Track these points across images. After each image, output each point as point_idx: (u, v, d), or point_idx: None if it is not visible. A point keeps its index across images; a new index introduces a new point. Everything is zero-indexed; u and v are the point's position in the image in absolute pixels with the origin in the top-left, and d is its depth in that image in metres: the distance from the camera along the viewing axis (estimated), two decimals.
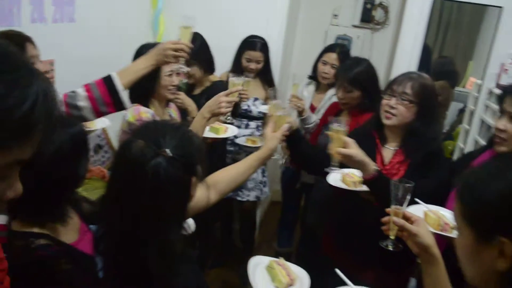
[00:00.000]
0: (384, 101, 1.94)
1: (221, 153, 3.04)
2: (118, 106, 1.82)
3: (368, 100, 2.39)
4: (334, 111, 2.65)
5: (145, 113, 2.08)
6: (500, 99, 1.73)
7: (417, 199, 1.67)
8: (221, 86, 2.82)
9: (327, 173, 1.92)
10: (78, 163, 1.29)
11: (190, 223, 1.56)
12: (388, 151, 1.99)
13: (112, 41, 2.98)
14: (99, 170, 2.42)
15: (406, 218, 1.35)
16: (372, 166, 1.73)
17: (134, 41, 3.33)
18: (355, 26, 4.37)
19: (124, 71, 1.86)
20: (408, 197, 1.41)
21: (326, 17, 4.41)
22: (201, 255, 3.27)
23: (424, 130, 1.88)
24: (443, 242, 1.61)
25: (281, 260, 1.58)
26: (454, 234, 1.43)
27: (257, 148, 2.95)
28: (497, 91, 3.08)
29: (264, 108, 2.97)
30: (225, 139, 2.83)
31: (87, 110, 1.78)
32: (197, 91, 2.87)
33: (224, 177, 1.62)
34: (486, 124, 3.23)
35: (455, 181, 1.15)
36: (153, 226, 1.14)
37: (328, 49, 3.04)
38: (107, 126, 2.43)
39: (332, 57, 2.93)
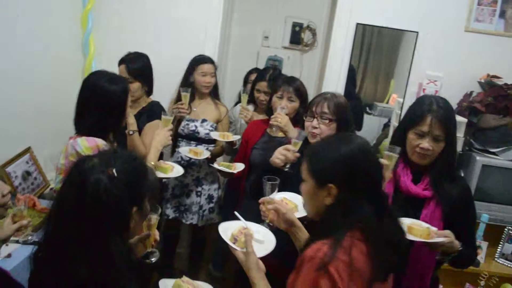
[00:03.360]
0: (306, 123, 2.11)
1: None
2: None
3: (302, 112, 2.52)
4: (263, 129, 2.72)
5: (102, 144, 2.04)
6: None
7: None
8: (159, 106, 2.88)
9: None
10: None
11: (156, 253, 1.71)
12: None
13: (42, 62, 2.88)
14: (28, 198, 2.31)
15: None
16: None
17: (66, 62, 3.26)
18: (285, 48, 4.54)
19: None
20: (277, 189, 1.83)
21: (257, 38, 4.55)
22: (141, 278, 3.20)
23: None
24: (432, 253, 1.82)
25: (185, 278, 1.66)
26: (439, 239, 1.69)
27: (199, 160, 2.98)
28: None
29: (215, 135, 3.00)
30: None
31: None
32: (133, 111, 2.82)
33: None
34: None
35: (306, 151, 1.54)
36: (92, 237, 1.18)
37: (259, 78, 3.19)
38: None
39: (263, 84, 3.10)
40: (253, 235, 1.57)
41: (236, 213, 1.77)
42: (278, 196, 1.91)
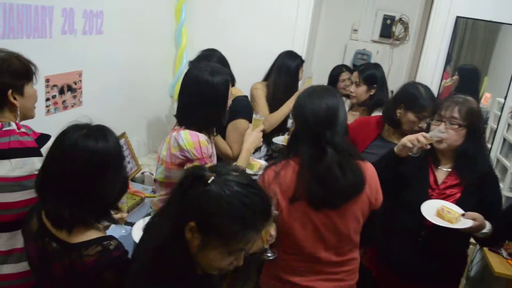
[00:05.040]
0: (432, 126, 1.99)
1: None
2: None
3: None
4: (376, 131, 2.51)
5: (205, 142, 2.02)
6: None
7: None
8: (244, 102, 2.77)
9: None
10: (124, 166, 1.42)
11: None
12: (441, 172, 2.02)
13: (137, 52, 3.02)
14: None
15: None
16: None
17: (159, 52, 3.40)
18: (374, 41, 4.39)
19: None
20: None
21: (346, 31, 4.44)
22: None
23: (474, 152, 1.94)
24: None
25: None
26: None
27: None
28: None
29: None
30: None
31: None
32: None
33: None
34: (508, 142, 3.20)
35: None
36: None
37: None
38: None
39: (355, 75, 2.98)
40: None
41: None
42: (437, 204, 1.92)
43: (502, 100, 3.31)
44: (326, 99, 1.66)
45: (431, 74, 3.33)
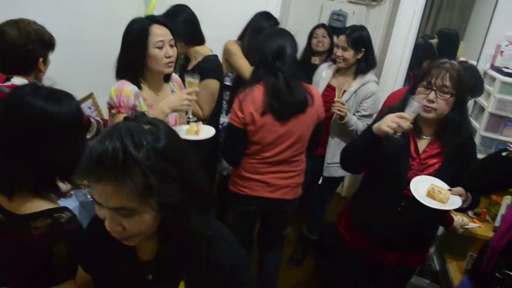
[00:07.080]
0: (421, 94, 1.86)
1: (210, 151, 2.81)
2: None
3: None
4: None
5: (128, 90, 1.92)
6: None
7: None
8: (214, 61, 2.69)
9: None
10: (81, 137, 1.33)
11: None
12: (423, 141, 1.96)
13: (104, 8, 2.89)
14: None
15: None
16: None
17: (126, 13, 3.23)
18: (350, 2, 4.31)
19: None
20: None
21: None
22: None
23: (460, 120, 1.87)
24: None
25: None
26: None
27: None
28: (492, 73, 3.08)
29: None
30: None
31: None
32: (189, 66, 2.75)
33: None
34: (478, 105, 3.24)
35: None
36: None
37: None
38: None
39: (342, 39, 2.83)
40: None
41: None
42: (426, 182, 1.83)
43: (475, 63, 3.33)
44: (277, 39, 2.18)
45: (405, 35, 3.30)
